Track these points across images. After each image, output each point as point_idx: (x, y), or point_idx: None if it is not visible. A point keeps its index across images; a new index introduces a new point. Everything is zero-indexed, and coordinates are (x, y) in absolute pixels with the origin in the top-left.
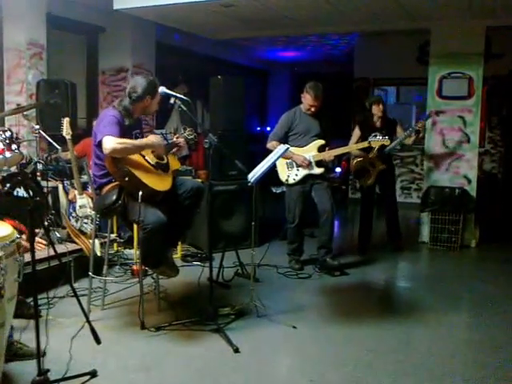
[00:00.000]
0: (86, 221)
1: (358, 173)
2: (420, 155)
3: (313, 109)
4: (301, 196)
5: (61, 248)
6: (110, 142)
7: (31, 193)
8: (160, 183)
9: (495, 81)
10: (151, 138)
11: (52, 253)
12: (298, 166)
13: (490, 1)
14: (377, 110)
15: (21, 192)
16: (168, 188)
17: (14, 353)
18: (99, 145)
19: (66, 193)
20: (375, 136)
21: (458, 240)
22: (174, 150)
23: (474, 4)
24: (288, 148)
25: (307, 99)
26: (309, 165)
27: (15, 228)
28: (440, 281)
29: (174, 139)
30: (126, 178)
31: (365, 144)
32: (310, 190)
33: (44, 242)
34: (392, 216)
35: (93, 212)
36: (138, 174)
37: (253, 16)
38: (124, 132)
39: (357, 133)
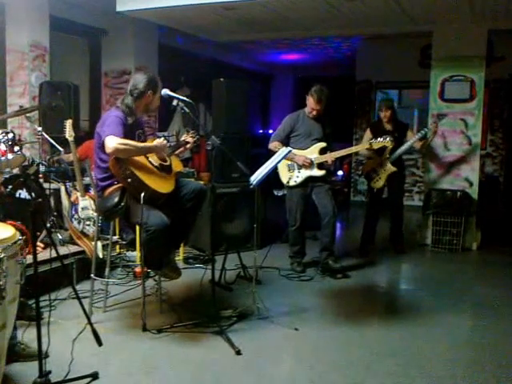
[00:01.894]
0: (88, 223)
1: (369, 174)
2: (421, 158)
3: (314, 112)
4: (302, 198)
5: (63, 250)
6: (113, 142)
7: (33, 194)
8: (163, 185)
9: (497, 84)
10: (155, 143)
11: (54, 255)
12: (300, 166)
13: (491, 4)
14: (382, 116)
15: (23, 194)
16: (171, 190)
17: (18, 354)
18: (103, 145)
19: (69, 195)
20: (386, 138)
21: (459, 242)
22: (180, 149)
23: (476, 7)
24: (290, 150)
25: (310, 102)
26: (311, 164)
27: (17, 229)
28: (441, 283)
29: (183, 138)
30: (129, 180)
31: (365, 146)
32: (310, 192)
33: (42, 244)
34: (397, 219)
35: (95, 214)
36: (141, 175)
37: (255, 19)
38: (127, 132)
39: (368, 135)
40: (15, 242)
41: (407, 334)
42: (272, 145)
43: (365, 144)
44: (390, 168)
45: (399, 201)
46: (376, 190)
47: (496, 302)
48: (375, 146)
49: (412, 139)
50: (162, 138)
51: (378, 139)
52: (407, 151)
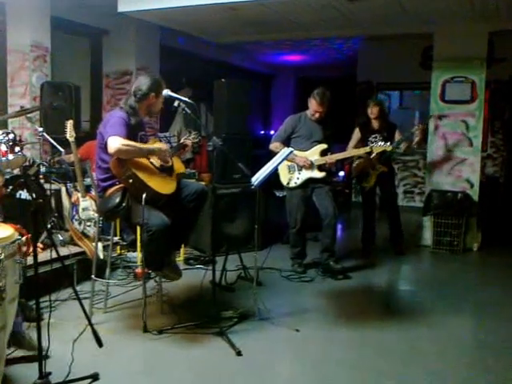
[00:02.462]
0: (88, 223)
1: (360, 175)
2: (422, 159)
3: (317, 115)
4: (302, 200)
5: (63, 251)
6: (116, 142)
7: (34, 195)
8: (164, 186)
9: (498, 85)
10: (157, 146)
11: (55, 255)
12: (300, 167)
13: (492, 5)
14: (369, 112)
15: (24, 194)
16: (172, 191)
17: (20, 343)
18: (105, 145)
19: (69, 195)
20: (375, 138)
21: (460, 243)
22: (180, 151)
23: (477, 8)
24: (292, 151)
25: (312, 104)
26: (311, 165)
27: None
28: (442, 284)
29: (183, 141)
30: (130, 180)
31: (366, 149)
32: (311, 193)
33: (41, 245)
34: (394, 219)
35: (96, 215)
36: (142, 176)
37: (257, 19)
38: (129, 133)
39: (357, 134)
40: (13, 242)
41: (409, 335)
42: (273, 145)
43: (366, 148)
44: (380, 167)
45: (393, 200)
46: (367, 189)
47: (497, 302)
48: (376, 150)
49: (396, 140)
50: (164, 144)
51: (380, 143)
52: (415, 152)
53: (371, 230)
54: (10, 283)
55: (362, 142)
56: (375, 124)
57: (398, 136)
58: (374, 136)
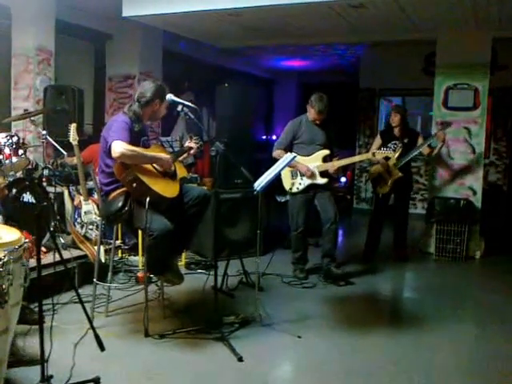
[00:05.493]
0: (91, 227)
1: (375, 180)
2: (424, 165)
3: (317, 121)
4: (304, 204)
5: (65, 254)
6: (119, 147)
7: (37, 198)
8: (168, 190)
9: (500, 92)
10: (161, 155)
11: (57, 258)
12: (302, 175)
13: (494, 12)
14: (392, 120)
15: (27, 197)
16: (175, 195)
17: (18, 359)
18: (109, 149)
19: (72, 199)
20: (395, 145)
21: (462, 251)
22: (184, 155)
23: (480, 15)
24: (295, 156)
25: (311, 113)
26: (312, 175)
27: None
28: (445, 291)
29: (187, 144)
30: (134, 184)
31: (368, 155)
32: (313, 198)
33: (44, 249)
34: (401, 226)
35: (98, 218)
36: (146, 180)
37: (260, 25)
38: (133, 138)
39: (378, 141)
40: (21, 245)
41: (410, 342)
42: (276, 153)
43: (368, 154)
44: (397, 174)
45: (405, 209)
46: (381, 195)
47: (500, 311)
48: (378, 156)
49: (420, 144)
50: (170, 156)
51: (382, 149)
52: (416, 157)
53: (377, 236)
54: (15, 286)
55: (382, 149)
56: (396, 131)
57: (420, 142)
58: (393, 142)
